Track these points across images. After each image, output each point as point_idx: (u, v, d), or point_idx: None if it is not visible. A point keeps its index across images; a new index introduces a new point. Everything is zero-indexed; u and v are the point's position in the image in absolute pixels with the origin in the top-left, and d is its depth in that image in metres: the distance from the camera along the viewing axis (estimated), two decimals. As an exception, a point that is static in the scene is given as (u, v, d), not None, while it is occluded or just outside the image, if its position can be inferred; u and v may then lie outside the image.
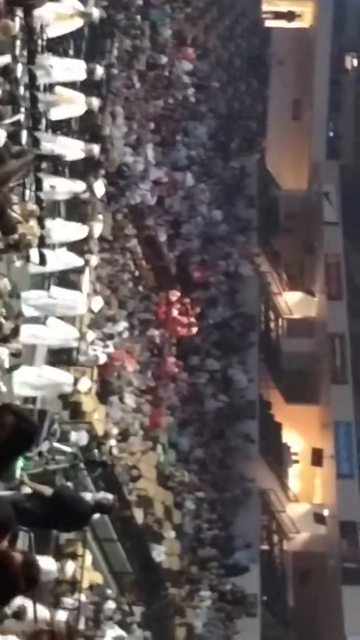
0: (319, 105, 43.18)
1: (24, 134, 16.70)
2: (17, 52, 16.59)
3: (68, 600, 18.95)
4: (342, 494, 33.50)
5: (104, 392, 24.16)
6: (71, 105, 17.75)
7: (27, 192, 16.80)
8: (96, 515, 12.58)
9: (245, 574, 29.24)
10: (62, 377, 17.79)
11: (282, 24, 45.20)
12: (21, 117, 16.36)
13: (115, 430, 24.02)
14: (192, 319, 30.96)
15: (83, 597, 19.31)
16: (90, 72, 18.04)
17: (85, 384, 19.25)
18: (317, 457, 35.47)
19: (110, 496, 18.13)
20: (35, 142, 17.21)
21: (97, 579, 21.60)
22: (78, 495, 13.64)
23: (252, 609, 28.55)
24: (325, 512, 34.50)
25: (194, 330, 31.01)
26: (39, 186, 17.24)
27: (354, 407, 35.79)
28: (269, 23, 44.82)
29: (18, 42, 16.52)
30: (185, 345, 30.97)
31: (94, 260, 21.11)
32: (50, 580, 16.63)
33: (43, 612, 13.37)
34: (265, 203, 41.31)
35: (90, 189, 18.85)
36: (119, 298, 26.71)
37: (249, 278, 36.21)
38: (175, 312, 30.38)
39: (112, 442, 23.39)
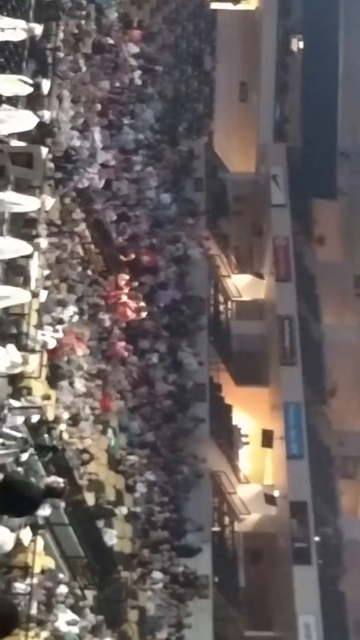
0: (265, 87, 43.22)
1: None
2: None
3: (20, 585, 18.95)
4: (292, 474, 33.75)
5: (54, 377, 24.09)
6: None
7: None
8: (47, 500, 12.58)
9: (196, 556, 29.36)
10: (13, 356, 17.75)
11: (227, 6, 45.14)
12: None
13: (65, 415, 23.98)
14: (142, 303, 30.95)
15: (35, 582, 19.31)
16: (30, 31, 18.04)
17: (33, 362, 19.24)
18: (267, 439, 35.68)
19: (61, 480, 18.14)
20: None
21: (49, 564, 21.60)
22: (28, 480, 13.64)
23: (203, 591, 28.71)
24: (276, 493, 34.74)
25: (144, 314, 31.01)
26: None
27: (303, 388, 36.04)
28: (215, 5, 44.75)
29: None
30: (134, 329, 30.97)
31: (43, 244, 21.05)
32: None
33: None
34: (214, 186, 41.35)
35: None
36: (68, 282, 26.62)
37: (198, 261, 36.25)
38: (124, 296, 30.35)
39: (63, 426, 23.36)
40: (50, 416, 22.25)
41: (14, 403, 19.36)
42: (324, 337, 39.41)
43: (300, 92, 41.30)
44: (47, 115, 18.61)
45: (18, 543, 18.20)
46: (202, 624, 28.26)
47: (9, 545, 16.14)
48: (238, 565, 34.52)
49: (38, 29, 18.39)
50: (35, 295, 19.91)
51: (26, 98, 20.79)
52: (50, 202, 20.31)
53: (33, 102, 21.80)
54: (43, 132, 23.28)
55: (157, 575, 27.27)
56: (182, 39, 41.18)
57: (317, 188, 40.65)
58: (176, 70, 40.05)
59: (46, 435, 21.38)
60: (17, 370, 18.22)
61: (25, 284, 19.84)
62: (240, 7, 45.37)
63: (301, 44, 43.37)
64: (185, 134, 39.79)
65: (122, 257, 31.39)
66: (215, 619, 29.07)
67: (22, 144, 17.51)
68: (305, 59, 41.10)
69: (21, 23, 17.85)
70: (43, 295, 20.97)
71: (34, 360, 19.28)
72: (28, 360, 18.33)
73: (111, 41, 31.64)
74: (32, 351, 19.99)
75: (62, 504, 21.18)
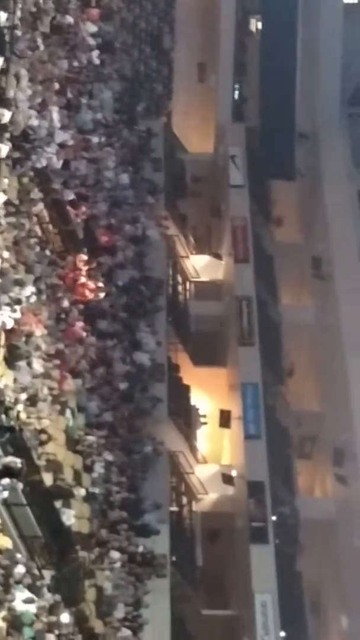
0: (224, 68, 43.23)
1: None
2: None
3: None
4: (250, 454, 33.92)
5: (12, 357, 24.04)
6: None
7: None
8: (5, 480, 12.59)
9: (154, 535, 29.46)
10: None
11: (186, -15, 45.03)
12: None
13: (23, 395, 23.95)
14: (100, 283, 30.94)
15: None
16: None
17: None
18: (224, 419, 35.84)
19: (18, 461, 18.16)
20: None
21: (6, 544, 21.61)
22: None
23: (161, 570, 28.81)
24: (233, 473, 34.91)
25: (102, 294, 31.01)
26: None
27: (261, 369, 36.19)
28: (174, -16, 44.63)
29: None
30: (93, 309, 30.95)
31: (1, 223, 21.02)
32: None
33: None
34: (172, 166, 41.34)
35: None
36: (26, 262, 26.54)
37: (156, 242, 36.26)
38: (82, 276, 30.32)
39: (20, 407, 23.33)
40: (7, 396, 22.22)
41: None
42: (282, 318, 39.58)
43: (258, 72, 41.28)
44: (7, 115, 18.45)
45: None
46: (160, 602, 28.38)
47: None
48: (195, 545, 34.67)
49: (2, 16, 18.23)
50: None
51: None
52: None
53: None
54: None
55: (115, 554, 27.34)
56: (141, 18, 41.06)
57: (276, 169, 40.74)
58: (135, 50, 39.93)
59: (3, 416, 21.36)
60: None
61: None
62: (199, -14, 45.29)
63: (259, 24, 43.34)
64: (143, 114, 39.72)
65: (80, 237, 31.32)
66: (173, 598, 29.20)
67: None
68: (264, 39, 41.06)
69: None
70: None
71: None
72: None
73: (69, 20, 31.51)
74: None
75: (20, 485, 21.17)
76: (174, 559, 30.25)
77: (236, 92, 43.87)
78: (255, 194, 41.06)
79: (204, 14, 44.45)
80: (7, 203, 24.62)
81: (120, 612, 26.66)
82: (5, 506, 21.71)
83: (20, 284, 24.76)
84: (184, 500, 34.78)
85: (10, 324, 21.62)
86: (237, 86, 43.78)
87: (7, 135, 23.42)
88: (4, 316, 21.20)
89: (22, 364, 24.71)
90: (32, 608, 21.01)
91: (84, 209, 31.70)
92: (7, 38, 24.54)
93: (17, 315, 22.99)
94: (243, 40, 43.90)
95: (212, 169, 43.42)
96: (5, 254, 23.85)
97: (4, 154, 19.66)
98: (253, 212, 40.53)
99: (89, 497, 27.38)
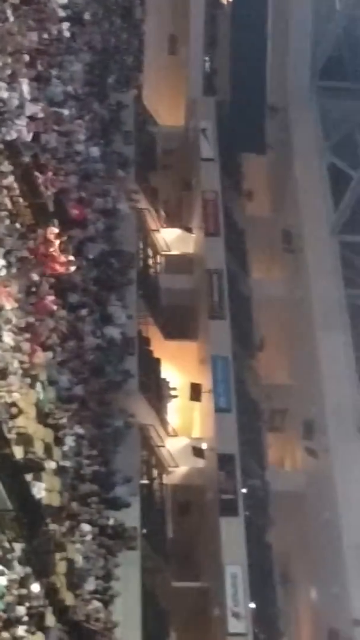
0: (194, 40, 43.08)
1: None
2: None
3: None
4: (220, 427, 34.03)
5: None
6: None
7: None
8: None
9: (124, 508, 29.57)
10: None
11: None
12: None
13: (-8, 369, 23.94)
14: (70, 257, 30.88)
15: None
16: None
17: None
18: (195, 392, 35.92)
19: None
20: None
21: (-23, 517, 21.63)
22: None
23: (132, 542, 28.94)
24: (204, 446, 35.04)
25: (72, 267, 30.95)
26: None
27: (232, 342, 36.28)
28: None
29: None
30: (63, 282, 30.90)
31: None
32: None
33: None
34: (143, 139, 41.25)
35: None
36: (-4, 235, 26.47)
37: (127, 215, 36.20)
38: (53, 250, 30.26)
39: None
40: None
41: None
42: (252, 291, 39.64)
43: (229, 45, 41.16)
44: None
45: None
46: (130, 575, 28.52)
47: None
48: (166, 517, 34.82)
49: None
50: None
51: None
52: None
53: None
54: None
55: (85, 527, 27.43)
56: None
57: (246, 142, 40.71)
58: (105, 22, 39.71)
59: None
60: None
61: None
62: None
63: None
64: (114, 87, 39.55)
65: (50, 210, 31.23)
66: (143, 570, 29.34)
67: None
68: (234, 12, 40.91)
69: None
70: None
71: None
72: None
73: (39, -9, 31.34)
74: None
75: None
76: (144, 531, 30.37)
77: (207, 65, 43.73)
78: (225, 167, 41.04)
79: (175, -14, 44.25)
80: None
81: (90, 584, 26.78)
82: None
83: (-11, 257, 24.70)
84: (155, 473, 34.90)
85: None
86: (207, 59, 43.65)
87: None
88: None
89: (-9, 337, 24.68)
90: (2, 580, 21.09)
91: (53, 180, 31.60)
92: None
93: (-13, 288, 22.95)
94: (214, 12, 43.71)
95: (182, 142, 43.34)
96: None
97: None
98: (224, 185, 40.51)
99: (60, 470, 27.42)
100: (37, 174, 30.33)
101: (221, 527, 32.04)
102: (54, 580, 24.80)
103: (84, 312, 31.78)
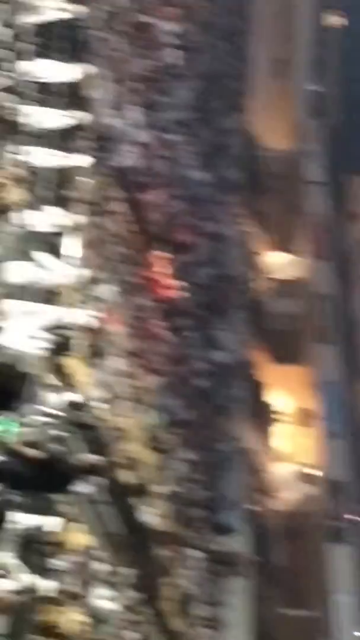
0: (301, 64, 43.04)
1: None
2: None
3: (57, 562, 19.06)
4: (330, 453, 33.72)
5: (91, 355, 24.14)
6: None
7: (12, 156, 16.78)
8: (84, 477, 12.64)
9: (232, 534, 29.44)
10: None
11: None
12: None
13: (103, 393, 24.04)
14: (178, 281, 30.96)
15: (72, 559, 19.41)
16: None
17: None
18: (303, 417, 35.68)
19: (97, 458, 18.21)
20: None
21: (86, 541, 21.69)
22: (66, 458, 13.72)
23: (240, 569, 28.79)
24: (311, 472, 34.73)
25: (180, 292, 31.02)
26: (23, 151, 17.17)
27: (340, 366, 35.96)
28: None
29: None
30: (171, 307, 30.98)
31: (81, 222, 21.08)
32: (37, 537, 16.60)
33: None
34: (249, 164, 41.24)
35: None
36: (106, 261, 26.64)
37: (234, 239, 36.20)
38: (161, 274, 30.36)
39: (100, 404, 23.42)
40: (88, 394, 22.32)
41: (53, 381, 19.44)
42: (360, 315, 39.27)
43: (337, 68, 40.99)
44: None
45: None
46: (238, 601, 28.37)
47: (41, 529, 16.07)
48: (273, 544, 34.57)
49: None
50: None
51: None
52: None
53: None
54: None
55: (193, 553, 27.36)
56: (218, 16, 40.97)
57: (354, 164, 40.45)
58: (212, 48, 39.87)
59: (83, 413, 21.45)
60: None
61: (64, 262, 19.92)
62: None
63: (337, 19, 43.03)
64: (220, 112, 39.64)
65: (158, 235, 31.38)
66: (251, 596, 29.16)
67: None
68: (342, 33, 40.75)
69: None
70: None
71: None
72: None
73: (148, 19, 31.57)
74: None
75: (99, 481, 21.27)
76: (252, 557, 30.19)
77: (314, 88, 43.60)
78: (333, 190, 40.80)
79: (281, 10, 44.22)
80: (86, 202, 24.73)
81: (199, 610, 26.68)
82: (84, 503, 21.82)
83: (99, 282, 24.87)
84: (263, 498, 34.68)
85: (90, 323, 21.68)
86: (315, 82, 43.51)
87: (86, 135, 23.51)
88: (84, 315, 21.26)
89: (101, 361, 24.81)
90: (111, 605, 21.09)
91: (161, 205, 31.75)
92: (85, 38, 24.61)
93: (97, 313, 23.08)
94: (320, 35, 43.60)
95: (289, 166, 43.22)
96: (85, 253, 23.95)
97: (83, 161, 19.78)
98: (331, 208, 40.27)
99: (168, 495, 27.41)
100: (144, 199, 30.51)
101: (329, 555, 31.68)
102: (163, 605, 24.76)
103: (191, 336, 31.80)
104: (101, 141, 26.15)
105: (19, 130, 16.88)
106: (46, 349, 18.69)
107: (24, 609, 12.63)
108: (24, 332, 17.45)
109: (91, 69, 24.85)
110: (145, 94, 31.27)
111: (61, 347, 19.30)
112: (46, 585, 18.61)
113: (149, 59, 31.47)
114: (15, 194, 14.07)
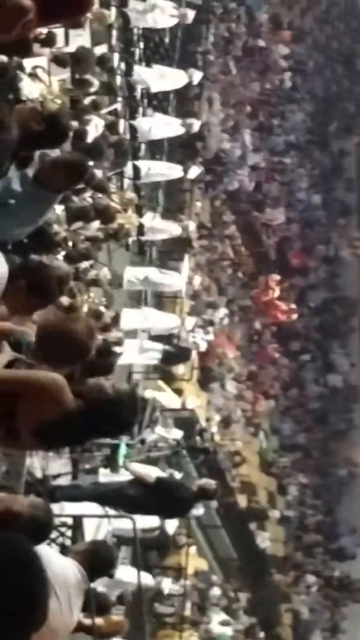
0: None
1: (122, 123, 16.78)
2: (113, 41, 16.69)
3: (174, 587, 19.07)
4: None
5: (205, 379, 24.18)
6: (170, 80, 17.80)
7: (125, 180, 16.91)
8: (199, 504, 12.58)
9: (350, 559, 29.08)
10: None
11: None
12: (118, 106, 16.44)
13: (217, 417, 24.04)
14: (292, 305, 30.81)
15: (189, 583, 19.40)
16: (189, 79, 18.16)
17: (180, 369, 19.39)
18: None
19: (213, 482, 18.16)
20: (133, 131, 17.31)
21: (202, 566, 21.68)
22: (180, 482, 13.69)
23: (358, 595, 28.38)
24: None
25: (294, 315, 30.87)
26: (137, 174, 17.32)
27: None
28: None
29: (114, 32, 16.62)
30: (285, 330, 30.85)
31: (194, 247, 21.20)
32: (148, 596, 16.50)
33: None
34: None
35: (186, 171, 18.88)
36: (219, 284, 26.70)
37: (349, 262, 35.89)
38: (274, 298, 30.27)
39: (214, 428, 23.41)
40: (202, 418, 22.33)
41: (167, 405, 19.50)
42: None
43: None
44: (196, 125, 18.69)
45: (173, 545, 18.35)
46: (357, 628, 27.92)
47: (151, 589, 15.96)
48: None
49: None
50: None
51: (176, 101, 21.03)
52: (193, 226, 20.43)
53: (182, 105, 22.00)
54: (193, 136, 23.42)
55: (310, 578, 27.10)
56: (333, 39, 40.83)
57: None
58: (327, 70, 39.74)
59: (198, 438, 21.46)
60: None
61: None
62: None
63: None
64: (336, 134, 39.43)
65: (272, 258, 31.33)
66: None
67: None
68: None
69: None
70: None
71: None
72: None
73: (261, 43, 31.64)
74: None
75: (214, 504, 21.24)
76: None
77: None
78: None
79: None
80: (200, 226, 24.84)
81: (316, 637, 26.40)
82: (200, 528, 21.81)
83: (213, 306, 24.92)
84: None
85: (203, 347, 21.72)
86: None
87: (200, 158, 23.64)
88: (198, 338, 21.31)
89: (215, 385, 24.83)
90: (228, 630, 20.98)
91: (275, 228, 31.72)
92: (200, 63, 24.81)
93: (210, 337, 23.11)
94: None
95: None
96: (199, 277, 24.04)
97: (193, 175, 19.84)
98: None
99: (284, 520, 27.24)
100: (258, 222, 30.53)
101: None
102: (280, 631, 24.55)
103: (306, 359, 31.64)
104: (215, 165, 26.26)
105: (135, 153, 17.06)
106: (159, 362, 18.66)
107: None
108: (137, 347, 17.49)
109: (205, 92, 25.01)
110: (259, 118, 31.31)
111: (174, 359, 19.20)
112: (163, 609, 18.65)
113: (263, 82, 31.51)
114: (128, 219, 14.16)
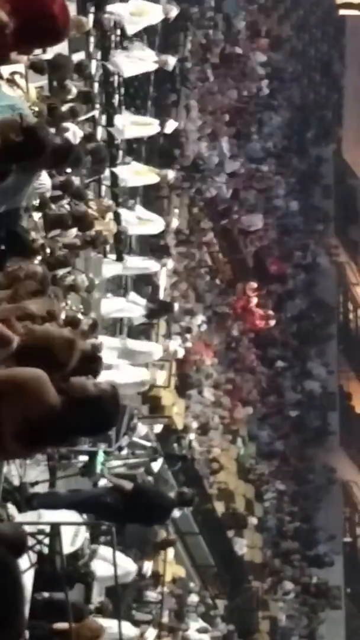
0: None
1: (99, 131, 16.77)
2: (91, 48, 16.69)
3: (151, 594, 19.04)
4: None
5: (183, 386, 24.18)
6: (143, 63, 17.72)
7: (103, 187, 16.90)
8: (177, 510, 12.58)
9: (327, 566, 29.11)
10: (141, 375, 17.77)
11: (357, 12, 44.62)
12: (96, 113, 16.42)
13: (194, 424, 24.03)
14: (270, 312, 30.85)
15: (166, 590, 19.37)
16: (163, 63, 18.08)
17: (161, 376, 19.32)
18: None
19: (190, 490, 18.14)
20: (110, 137, 17.29)
21: (180, 573, 21.65)
22: (159, 490, 13.69)
23: (336, 601, 28.42)
24: None
25: (272, 322, 30.91)
26: (114, 181, 17.30)
27: None
28: (344, 12, 44.31)
29: (92, 39, 16.61)
30: (263, 337, 30.88)
31: (170, 263, 21.22)
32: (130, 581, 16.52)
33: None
34: (343, 193, 40.96)
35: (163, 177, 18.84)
36: (196, 291, 26.70)
37: (327, 269, 35.98)
38: (252, 305, 30.31)
39: (192, 435, 23.41)
40: (179, 425, 22.33)
41: (144, 412, 19.50)
42: None
43: None
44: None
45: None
46: (334, 634, 27.98)
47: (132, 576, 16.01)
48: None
49: (172, 60, 18.41)
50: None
51: (154, 108, 21.04)
52: (175, 222, 20.42)
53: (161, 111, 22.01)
54: (170, 143, 23.47)
55: (288, 585, 27.12)
56: (311, 46, 40.96)
57: None
58: (304, 77, 39.84)
59: (175, 445, 21.45)
60: (144, 388, 18.27)
61: (154, 293, 19.99)
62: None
63: None
64: (313, 141, 39.53)
65: (250, 265, 31.36)
66: (348, 629, 28.74)
67: None
68: None
69: (151, 54, 17.79)
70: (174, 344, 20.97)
71: (163, 372, 19.37)
72: (155, 376, 18.41)
73: (239, 50, 31.67)
74: (161, 360, 19.99)
75: (194, 513, 21.23)
76: (348, 590, 29.79)
77: None
78: None
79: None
80: (178, 232, 24.85)
81: (293, 643, 26.41)
82: (178, 535, 21.78)
83: (190, 313, 24.92)
84: (358, 530, 34.23)
85: (181, 353, 21.72)
86: None
87: (178, 165, 23.67)
88: (175, 345, 21.31)
89: (193, 392, 24.83)
90: (205, 637, 20.95)
91: (252, 236, 31.75)
92: (177, 70, 24.81)
93: (188, 344, 23.12)
94: None
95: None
96: (176, 283, 24.05)
97: (171, 177, 19.80)
98: None
99: (261, 527, 27.24)
100: (236, 229, 30.55)
101: None
102: (257, 638, 24.54)
103: (284, 366, 31.66)
104: (192, 172, 26.27)
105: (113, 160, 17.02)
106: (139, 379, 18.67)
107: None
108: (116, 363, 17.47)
109: (183, 100, 25.04)
110: (237, 125, 31.33)
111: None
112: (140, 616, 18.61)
113: (240, 90, 31.54)
114: (106, 226, 14.16)
